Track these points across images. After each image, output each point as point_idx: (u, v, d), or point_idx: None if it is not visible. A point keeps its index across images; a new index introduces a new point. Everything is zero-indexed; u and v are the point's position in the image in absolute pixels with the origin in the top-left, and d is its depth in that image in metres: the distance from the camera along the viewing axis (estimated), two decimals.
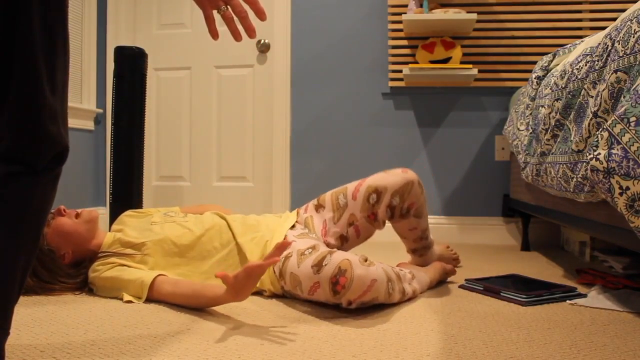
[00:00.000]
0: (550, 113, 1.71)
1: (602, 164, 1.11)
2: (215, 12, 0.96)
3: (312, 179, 3.02)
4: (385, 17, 2.97)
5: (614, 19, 2.76)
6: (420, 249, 1.82)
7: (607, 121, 1.24)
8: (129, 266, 1.58)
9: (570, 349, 1.12)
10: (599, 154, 1.13)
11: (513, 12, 2.85)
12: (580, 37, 2.77)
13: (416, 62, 2.87)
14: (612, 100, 1.22)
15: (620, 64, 1.20)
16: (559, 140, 1.65)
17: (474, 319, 1.35)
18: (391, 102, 2.96)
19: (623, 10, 2.73)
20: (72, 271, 1.62)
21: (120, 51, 2.49)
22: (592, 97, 1.39)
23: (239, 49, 3.17)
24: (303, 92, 3.03)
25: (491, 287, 1.61)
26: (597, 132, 1.22)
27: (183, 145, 3.26)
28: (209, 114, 3.22)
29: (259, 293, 1.61)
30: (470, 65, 2.68)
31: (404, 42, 2.92)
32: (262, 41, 3.10)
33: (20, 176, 0.78)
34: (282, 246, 1.25)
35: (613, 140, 1.11)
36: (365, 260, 1.35)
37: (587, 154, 1.21)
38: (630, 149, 1.07)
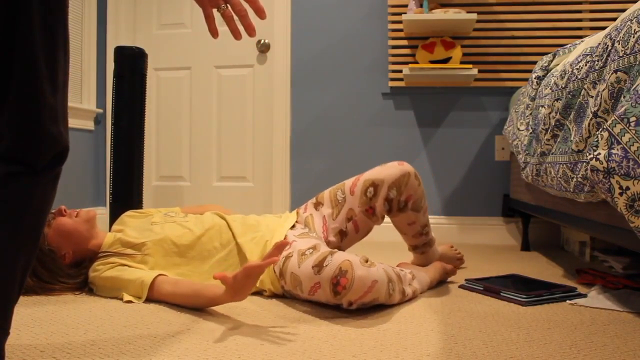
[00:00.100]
0: (550, 113, 1.71)
1: (602, 164, 1.11)
2: (215, 11, 0.96)
3: (312, 179, 3.02)
4: (385, 17, 2.97)
5: (614, 19, 2.76)
6: (421, 245, 1.82)
7: (607, 121, 1.24)
8: (129, 266, 1.58)
9: (570, 349, 1.12)
10: (599, 154, 1.13)
11: (513, 12, 2.85)
12: (580, 37, 2.77)
13: (416, 62, 2.87)
14: (612, 100, 1.22)
15: (620, 64, 1.20)
16: (559, 140, 1.65)
17: (474, 319, 1.35)
18: (391, 102, 2.96)
19: (623, 10, 2.73)
20: (73, 271, 1.62)
21: (120, 51, 2.49)
22: (592, 97, 1.39)
23: (239, 49, 3.17)
24: (303, 92, 3.03)
25: (491, 287, 1.61)
26: (597, 132, 1.22)
27: (183, 145, 3.26)
28: (209, 114, 3.22)
29: (259, 293, 1.61)
30: (470, 65, 2.68)
31: (404, 42, 2.92)
32: (262, 41, 3.10)
33: (20, 176, 0.78)
34: (281, 245, 1.25)
35: (613, 140, 1.11)
36: (366, 261, 1.35)
37: (587, 154, 1.21)
38: (630, 149, 1.07)
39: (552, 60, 2.01)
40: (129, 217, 1.83)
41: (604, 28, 2.76)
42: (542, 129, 1.78)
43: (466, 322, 1.32)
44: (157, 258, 1.61)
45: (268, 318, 1.35)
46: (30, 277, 1.54)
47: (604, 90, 1.25)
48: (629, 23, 1.20)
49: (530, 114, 2.06)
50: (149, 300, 1.49)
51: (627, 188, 1.07)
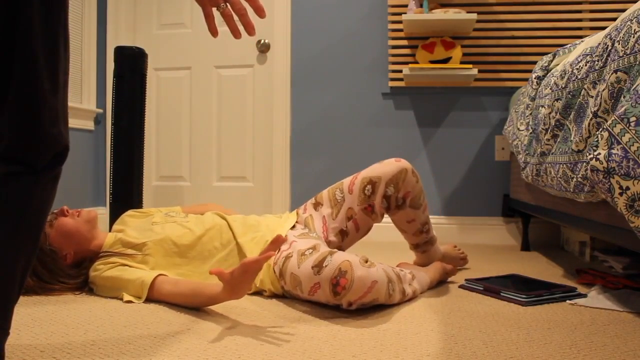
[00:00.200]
0: (550, 113, 1.71)
1: (602, 164, 1.11)
2: (214, 9, 0.96)
3: (312, 179, 3.02)
4: (385, 17, 2.97)
5: (614, 19, 2.76)
6: (422, 244, 1.82)
7: (607, 121, 1.24)
8: (130, 266, 1.58)
9: (570, 349, 1.12)
10: (599, 154, 1.13)
11: (513, 12, 2.85)
12: (580, 37, 2.77)
13: (416, 62, 2.87)
14: (612, 100, 1.22)
15: (620, 64, 1.20)
16: (559, 140, 1.65)
17: (474, 319, 1.35)
18: (391, 102, 2.96)
19: (623, 10, 2.73)
20: (73, 271, 1.62)
21: (120, 51, 2.49)
22: (592, 97, 1.39)
23: (239, 49, 3.17)
24: (303, 92, 3.03)
25: (491, 287, 1.61)
26: (597, 132, 1.22)
27: (183, 145, 3.26)
28: (209, 114, 3.22)
29: (259, 293, 1.61)
30: (470, 65, 2.68)
31: (404, 42, 2.92)
32: (262, 41, 3.10)
33: (20, 176, 0.78)
34: (277, 241, 1.25)
35: (613, 140, 1.11)
36: (366, 262, 1.35)
37: (587, 154, 1.21)
38: (630, 149, 1.07)
39: (552, 60, 2.01)
40: (129, 217, 1.83)
41: (604, 28, 2.76)
42: (542, 129, 1.78)
43: (466, 322, 1.31)
44: (157, 258, 1.61)
45: (268, 318, 1.35)
46: (30, 277, 1.54)
47: (604, 90, 1.25)
48: (629, 23, 1.20)
49: (530, 114, 2.06)
50: (149, 300, 1.49)
51: (627, 188, 1.07)
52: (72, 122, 2.98)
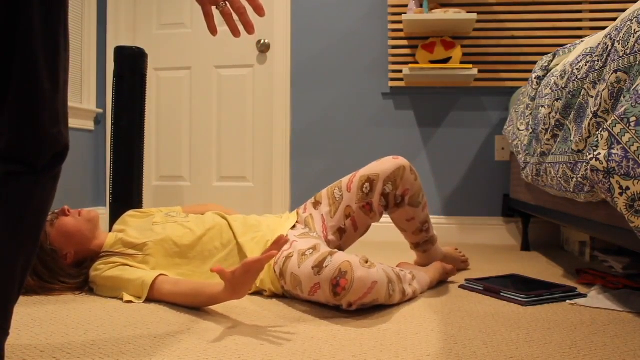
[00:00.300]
0: (550, 113, 1.71)
1: (602, 164, 1.11)
2: (214, 8, 0.96)
3: (312, 179, 3.02)
4: (385, 17, 2.97)
5: (614, 19, 2.76)
6: (422, 243, 1.82)
7: (607, 121, 1.24)
8: (130, 266, 1.58)
9: (570, 349, 1.12)
10: (599, 154, 1.13)
11: (513, 12, 2.85)
12: (580, 37, 2.77)
13: (416, 62, 2.87)
14: (612, 100, 1.22)
15: (620, 64, 1.20)
16: (559, 140, 1.65)
17: (474, 319, 1.35)
18: (391, 102, 2.96)
19: (623, 10, 2.73)
20: (74, 271, 1.62)
21: (120, 51, 2.49)
22: (592, 97, 1.39)
23: (239, 49, 3.17)
24: (303, 92, 3.03)
25: (491, 287, 1.61)
26: (597, 132, 1.22)
27: (183, 145, 3.26)
28: (209, 114, 3.22)
29: (259, 293, 1.61)
30: (470, 65, 2.68)
31: (404, 42, 2.92)
32: (262, 41, 3.10)
33: (20, 176, 0.78)
34: (280, 241, 1.25)
35: (613, 140, 1.11)
36: (366, 262, 1.35)
37: (587, 154, 1.21)
38: (630, 149, 1.07)
39: (552, 60, 2.01)
40: (130, 217, 1.83)
41: (604, 28, 2.76)
42: (542, 129, 1.78)
43: (466, 322, 1.31)
44: (158, 258, 1.61)
45: (268, 318, 1.35)
46: (31, 277, 1.54)
47: (604, 90, 1.25)
48: (629, 23, 1.20)
49: (530, 114, 2.06)
50: (149, 300, 1.49)
51: (627, 188, 1.07)
52: (72, 122, 2.98)
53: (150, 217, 1.78)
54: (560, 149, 1.60)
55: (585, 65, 1.47)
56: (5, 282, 0.77)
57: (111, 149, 2.49)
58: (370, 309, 1.42)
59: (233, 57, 3.18)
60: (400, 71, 2.91)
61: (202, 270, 1.62)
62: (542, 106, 1.83)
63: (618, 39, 1.24)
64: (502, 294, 1.57)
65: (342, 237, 1.72)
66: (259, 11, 1.01)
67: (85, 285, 1.63)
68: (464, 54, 2.86)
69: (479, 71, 2.85)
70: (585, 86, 1.44)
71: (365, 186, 1.67)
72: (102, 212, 3.23)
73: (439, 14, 2.64)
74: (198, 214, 1.82)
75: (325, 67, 3.01)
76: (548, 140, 1.72)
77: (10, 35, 0.76)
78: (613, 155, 1.09)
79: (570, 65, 1.61)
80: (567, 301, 1.53)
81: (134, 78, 2.48)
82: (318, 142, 3.02)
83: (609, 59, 1.29)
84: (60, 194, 2.91)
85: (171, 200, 3.26)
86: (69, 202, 2.98)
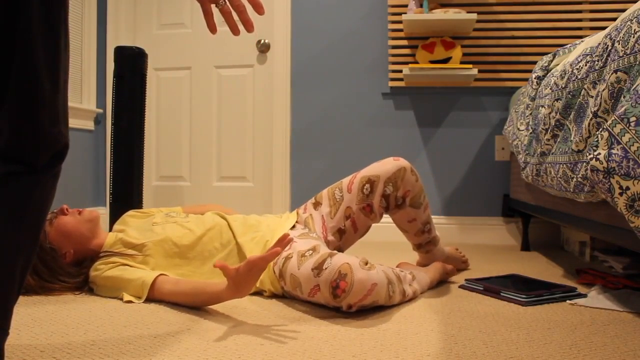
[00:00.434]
0: (550, 113, 1.71)
1: (602, 164, 1.11)
2: (213, 6, 0.96)
3: (312, 179, 3.02)
4: (385, 17, 2.97)
5: (614, 19, 2.76)
6: (424, 244, 1.82)
7: (607, 121, 1.24)
8: (130, 266, 1.58)
9: (570, 349, 1.12)
10: (599, 154, 1.13)
11: (513, 12, 2.85)
12: (580, 37, 2.77)
13: (416, 62, 2.87)
14: (612, 100, 1.22)
15: (620, 64, 1.20)
16: (559, 140, 1.65)
17: (474, 319, 1.35)
18: (391, 102, 2.96)
19: (623, 10, 2.73)
20: (73, 270, 1.62)
21: (120, 51, 2.49)
22: (592, 97, 1.39)
23: (239, 49, 3.17)
24: (303, 92, 3.03)
25: (491, 287, 1.61)
26: (597, 132, 1.22)
27: (183, 145, 3.26)
28: (209, 114, 3.22)
29: (259, 293, 1.61)
30: (470, 65, 2.68)
31: (404, 42, 2.92)
32: (262, 41, 3.10)
33: (20, 175, 0.78)
34: (283, 239, 1.25)
35: (613, 140, 1.11)
36: (366, 264, 1.34)
37: (587, 154, 1.21)
38: (630, 149, 1.07)
39: (552, 60, 2.01)
40: (130, 217, 1.83)
41: (604, 28, 2.76)
42: (542, 129, 1.78)
43: (466, 322, 1.31)
44: (157, 259, 1.61)
45: (268, 318, 1.35)
46: (30, 276, 1.54)
47: (604, 90, 1.25)
48: (629, 23, 1.20)
49: (530, 114, 2.06)
50: (149, 300, 1.49)
51: (627, 188, 1.07)
52: (72, 122, 2.98)
53: (150, 218, 1.78)
54: (560, 149, 1.60)
55: (585, 65, 1.47)
56: (5, 282, 0.77)
57: (111, 149, 2.49)
58: (370, 309, 1.42)
59: (233, 57, 3.18)
60: (400, 71, 2.91)
61: (202, 271, 1.62)
62: (542, 106, 1.83)
63: (618, 39, 1.24)
64: (502, 294, 1.57)
65: (342, 238, 1.72)
66: (258, 9, 1.01)
67: (85, 285, 1.63)
68: (464, 54, 2.86)
69: (479, 71, 2.85)
70: (585, 86, 1.44)
71: (365, 187, 1.67)
72: (102, 212, 3.23)
73: (439, 14, 2.64)
74: (198, 214, 1.82)
75: (325, 67, 3.01)
76: (548, 140, 1.72)
77: (10, 35, 0.76)
78: (613, 155, 1.09)
79: (570, 65, 1.61)
80: (567, 301, 1.53)
81: (134, 78, 2.48)
82: (318, 142, 3.02)
83: (609, 59, 1.29)
84: (60, 194, 2.91)
85: (171, 200, 3.26)
86: (69, 202, 2.98)
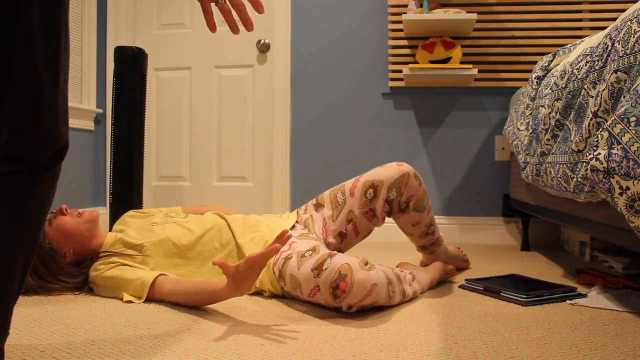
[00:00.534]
0: (550, 113, 1.71)
1: (602, 164, 1.11)
2: (213, 5, 0.97)
3: (312, 179, 3.02)
4: (385, 17, 2.97)
5: (614, 19, 2.76)
6: (428, 245, 1.82)
7: (607, 121, 1.24)
8: (130, 266, 1.58)
9: (570, 349, 1.12)
10: (599, 154, 1.13)
11: (513, 12, 2.85)
12: (580, 37, 2.77)
13: (416, 62, 2.87)
14: (612, 100, 1.22)
15: (620, 64, 1.20)
16: (559, 140, 1.65)
17: (474, 319, 1.35)
18: (391, 102, 2.96)
19: (623, 10, 2.73)
20: (73, 270, 1.62)
21: (120, 51, 2.49)
22: (592, 97, 1.39)
23: (239, 49, 3.17)
24: (303, 92, 3.03)
25: (491, 287, 1.61)
26: (597, 132, 1.22)
27: (183, 145, 3.26)
28: (209, 114, 3.22)
29: (258, 293, 1.61)
30: (470, 65, 2.68)
31: (404, 42, 2.92)
32: (262, 41, 3.10)
33: (19, 175, 0.78)
34: (283, 236, 1.25)
35: (613, 140, 1.11)
36: (366, 264, 1.34)
37: (587, 154, 1.21)
38: (630, 149, 1.07)
39: (552, 60, 2.01)
40: (130, 217, 1.83)
41: (604, 28, 2.76)
42: (542, 129, 1.78)
43: (466, 322, 1.31)
44: (157, 259, 1.61)
45: (268, 318, 1.35)
46: (30, 276, 1.54)
47: (604, 90, 1.25)
48: (629, 23, 1.20)
49: (530, 114, 2.06)
50: (149, 300, 1.49)
51: (627, 188, 1.07)
52: (72, 122, 2.98)
53: (150, 218, 1.78)
54: (560, 149, 1.60)
55: (585, 65, 1.47)
56: (4, 282, 0.77)
57: (111, 149, 2.49)
58: (370, 309, 1.42)
59: (233, 57, 3.18)
60: (400, 71, 2.91)
61: (202, 271, 1.62)
62: (542, 106, 1.83)
63: (618, 39, 1.24)
64: (502, 294, 1.57)
65: (343, 241, 1.72)
66: (258, 8, 1.01)
67: (85, 285, 1.63)
68: (464, 54, 2.86)
69: (479, 71, 2.85)
70: (585, 86, 1.44)
71: (369, 192, 1.66)
72: (102, 212, 3.23)
73: (439, 14, 2.64)
74: (198, 214, 1.82)
75: (325, 67, 3.01)
76: (548, 140, 1.72)
77: (10, 35, 0.76)
78: (613, 155, 1.09)
79: (570, 65, 1.61)
80: (567, 301, 1.53)
81: (134, 78, 2.48)
82: (318, 142, 3.02)
83: (609, 59, 1.29)
84: (60, 194, 2.91)
85: (171, 200, 3.26)
86: (69, 202, 2.98)
